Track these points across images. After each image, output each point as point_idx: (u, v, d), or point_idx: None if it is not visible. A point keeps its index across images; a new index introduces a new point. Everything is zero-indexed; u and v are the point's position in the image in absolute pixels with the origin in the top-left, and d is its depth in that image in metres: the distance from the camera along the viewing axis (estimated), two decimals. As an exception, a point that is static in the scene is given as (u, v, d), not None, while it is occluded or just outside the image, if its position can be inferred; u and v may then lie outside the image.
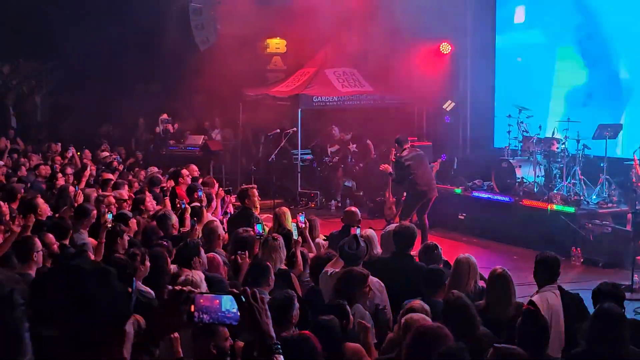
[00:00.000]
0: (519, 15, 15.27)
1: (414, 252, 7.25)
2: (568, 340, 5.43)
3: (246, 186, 9.30)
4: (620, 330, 4.55)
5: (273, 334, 2.69)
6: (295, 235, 7.31)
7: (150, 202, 8.96)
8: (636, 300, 8.91)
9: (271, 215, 8.99)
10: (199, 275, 5.57)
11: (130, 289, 2.39)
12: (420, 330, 4.23)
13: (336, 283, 5.68)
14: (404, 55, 15.84)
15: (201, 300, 2.61)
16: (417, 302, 5.28)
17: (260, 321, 2.64)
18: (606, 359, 4.45)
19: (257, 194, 9.13)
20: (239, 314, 2.61)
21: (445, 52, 15.74)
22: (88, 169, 11.49)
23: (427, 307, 5.20)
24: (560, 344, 5.35)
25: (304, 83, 16.04)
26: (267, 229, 8.07)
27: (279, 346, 2.67)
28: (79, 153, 14.57)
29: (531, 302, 5.50)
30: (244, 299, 2.62)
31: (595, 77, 13.71)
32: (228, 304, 2.60)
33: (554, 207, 11.58)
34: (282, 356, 2.65)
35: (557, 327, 5.41)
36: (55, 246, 6.52)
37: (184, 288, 2.65)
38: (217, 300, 2.60)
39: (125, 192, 9.65)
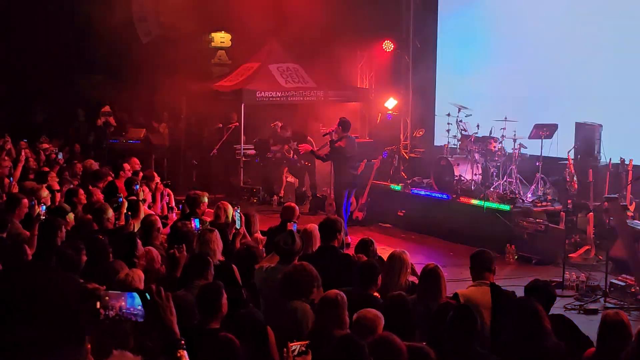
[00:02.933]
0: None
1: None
2: (495, 336, 5.54)
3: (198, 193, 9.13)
4: (539, 323, 4.69)
5: (177, 331, 2.72)
6: (237, 225, 7.33)
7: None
8: (567, 296, 9.15)
9: (212, 210, 8.94)
10: (138, 275, 5.50)
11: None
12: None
13: (283, 281, 5.62)
14: (348, 52, 15.97)
15: (107, 298, 2.62)
16: (332, 291, 5.28)
17: (164, 318, 2.68)
18: (527, 350, 4.56)
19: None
20: (144, 310, 2.63)
21: (387, 50, 15.90)
22: (22, 157, 11.26)
23: (342, 293, 5.15)
24: (483, 338, 5.45)
25: (247, 78, 16.00)
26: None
27: (183, 342, 2.71)
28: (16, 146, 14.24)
29: (455, 296, 5.63)
30: (148, 296, 2.65)
31: (533, 77, 14.02)
32: (133, 301, 2.62)
33: (490, 204, 11.81)
34: (186, 352, 2.69)
35: (480, 321, 5.50)
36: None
37: (88, 285, 2.67)
38: (123, 297, 2.62)
39: (56, 184, 9.52)
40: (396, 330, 4.37)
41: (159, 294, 2.70)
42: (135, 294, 2.62)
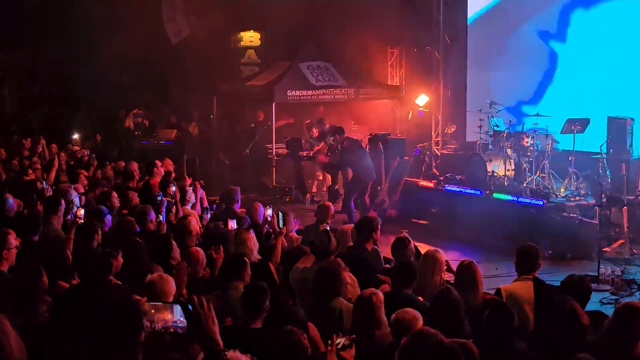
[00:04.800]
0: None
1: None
2: (537, 332, 5.55)
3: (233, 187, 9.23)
4: (576, 323, 4.68)
5: (220, 341, 2.65)
6: (281, 224, 7.37)
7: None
8: (602, 291, 9.12)
9: (243, 210, 9.00)
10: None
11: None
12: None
13: (312, 282, 5.68)
14: (378, 50, 15.98)
15: (152, 311, 2.60)
16: (370, 290, 5.32)
17: (207, 328, 2.62)
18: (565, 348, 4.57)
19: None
20: (186, 322, 2.59)
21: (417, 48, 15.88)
22: (56, 162, 11.35)
23: (378, 292, 5.19)
24: (526, 334, 5.48)
25: (278, 77, 16.07)
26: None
27: (226, 353, 2.63)
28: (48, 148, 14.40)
29: (498, 291, 5.64)
30: (190, 307, 2.61)
31: (565, 71, 13.96)
32: (178, 312, 2.60)
33: (523, 200, 11.79)
34: None
35: (522, 317, 5.52)
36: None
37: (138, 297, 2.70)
38: (169, 310, 2.59)
39: (81, 186, 9.62)
40: (444, 328, 4.40)
41: (201, 304, 2.63)
42: (178, 306, 2.60)
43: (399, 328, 4.67)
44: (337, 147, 12.85)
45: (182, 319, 2.61)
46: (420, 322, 4.73)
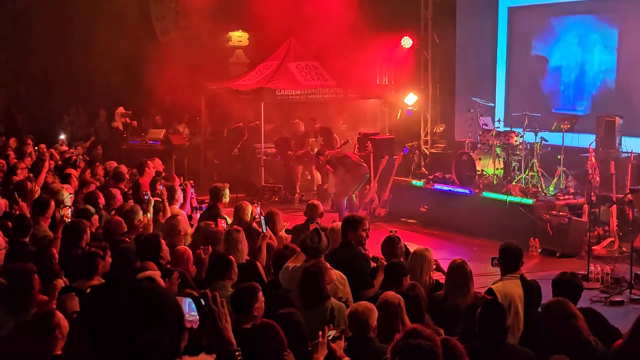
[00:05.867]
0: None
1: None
2: (526, 327, 5.56)
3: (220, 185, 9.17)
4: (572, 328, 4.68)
5: (233, 341, 2.57)
6: (263, 229, 7.33)
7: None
8: (592, 289, 9.13)
9: (232, 210, 8.97)
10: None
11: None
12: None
13: (298, 285, 5.66)
14: (366, 49, 15.95)
15: None
16: (391, 293, 5.35)
17: (220, 326, 2.53)
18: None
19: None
20: (198, 317, 2.52)
21: (406, 47, 15.85)
22: (47, 163, 11.25)
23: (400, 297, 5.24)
24: (518, 331, 5.48)
25: (266, 76, 16.02)
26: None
27: (239, 353, 2.56)
28: (36, 148, 14.29)
29: (489, 291, 5.63)
30: (204, 302, 2.53)
31: (554, 70, 14.00)
32: (189, 307, 2.52)
33: (513, 199, 11.80)
34: None
35: (515, 315, 5.53)
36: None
37: None
38: (180, 303, 2.54)
39: (71, 187, 9.56)
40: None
41: (214, 301, 2.54)
42: (190, 300, 2.54)
43: (354, 322, 4.76)
44: (326, 159, 12.76)
45: (192, 313, 2.52)
46: (375, 314, 4.79)
